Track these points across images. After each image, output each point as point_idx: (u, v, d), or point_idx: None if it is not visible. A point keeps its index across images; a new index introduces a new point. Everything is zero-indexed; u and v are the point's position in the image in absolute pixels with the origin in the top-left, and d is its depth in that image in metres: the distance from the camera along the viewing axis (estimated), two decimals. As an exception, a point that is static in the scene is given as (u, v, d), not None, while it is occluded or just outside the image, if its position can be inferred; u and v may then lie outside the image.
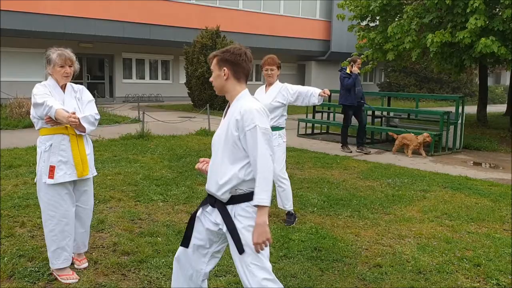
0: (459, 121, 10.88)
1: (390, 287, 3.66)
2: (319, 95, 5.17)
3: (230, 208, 2.58)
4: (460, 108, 10.98)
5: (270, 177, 2.46)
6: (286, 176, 5.33)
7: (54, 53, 3.60)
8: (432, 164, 9.20)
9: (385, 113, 12.73)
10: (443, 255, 4.32)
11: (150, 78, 25.13)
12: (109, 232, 4.71)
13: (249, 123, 2.48)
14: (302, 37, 27.11)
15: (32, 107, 3.51)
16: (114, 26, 20.33)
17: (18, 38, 19.60)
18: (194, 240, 2.73)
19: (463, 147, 11.26)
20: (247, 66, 2.66)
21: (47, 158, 3.56)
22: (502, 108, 24.50)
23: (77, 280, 3.63)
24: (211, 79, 2.73)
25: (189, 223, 2.76)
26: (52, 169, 3.54)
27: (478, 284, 3.74)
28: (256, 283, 2.51)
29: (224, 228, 2.57)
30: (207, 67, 18.11)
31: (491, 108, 18.02)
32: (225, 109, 2.72)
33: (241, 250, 2.52)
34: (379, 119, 12.92)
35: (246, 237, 2.51)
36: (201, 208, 2.75)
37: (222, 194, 2.55)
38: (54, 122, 3.49)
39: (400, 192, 6.62)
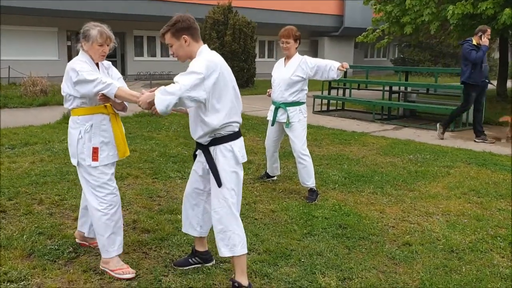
0: (480, 96, 10.56)
1: (422, 266, 3.52)
2: (338, 69, 4.95)
3: (212, 149, 3.02)
4: (482, 82, 10.65)
5: (169, 91, 2.72)
6: (307, 152, 5.17)
7: (94, 29, 3.23)
8: (453, 140, 8.96)
9: (402, 88, 12.43)
10: (475, 233, 4.15)
11: (162, 56, 24.90)
12: (127, 209, 4.61)
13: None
14: (315, 12, 26.56)
15: (72, 84, 3.15)
16: (125, 3, 20.07)
17: (30, 17, 19.43)
18: (194, 183, 3.28)
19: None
20: (197, 25, 3.01)
21: (88, 139, 3.25)
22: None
23: (134, 275, 3.28)
24: (171, 52, 3.02)
25: (193, 160, 3.32)
26: (95, 151, 3.26)
27: (514, 263, 3.58)
28: (228, 206, 3.01)
29: (207, 166, 3.05)
30: (220, 43, 17.84)
31: (509, 84, 17.62)
32: None
33: (219, 184, 2.98)
34: (396, 95, 12.63)
35: (223, 176, 2.99)
36: (196, 154, 3.25)
37: (203, 140, 3.03)
38: (106, 100, 3.20)
39: (423, 168, 6.43)
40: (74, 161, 3.32)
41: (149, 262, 3.52)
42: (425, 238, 4.04)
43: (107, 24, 3.35)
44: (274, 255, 3.63)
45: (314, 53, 29.43)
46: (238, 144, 3.08)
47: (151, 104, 2.81)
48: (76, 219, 4.29)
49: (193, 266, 3.42)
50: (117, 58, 22.89)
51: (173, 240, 3.88)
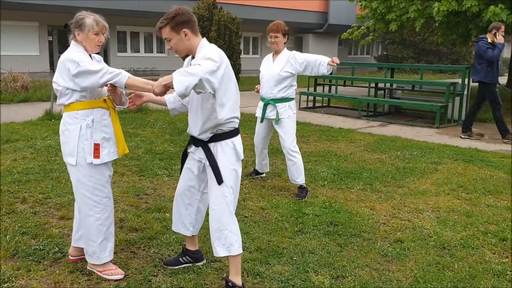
0: (465, 93, 10.67)
1: (415, 263, 3.49)
2: (328, 64, 4.89)
3: (212, 145, 2.95)
4: (466, 79, 10.75)
5: (191, 72, 2.55)
6: (297, 149, 5.12)
7: (89, 18, 3.03)
8: (439, 136, 9.01)
9: (388, 85, 12.47)
10: (466, 229, 4.14)
11: (145, 52, 24.65)
12: (114, 208, 4.47)
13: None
14: (299, 9, 26.55)
15: (71, 76, 2.90)
16: (107, -2, 19.78)
17: (11, 11, 19.02)
18: (188, 182, 3.18)
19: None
20: (195, 18, 2.91)
21: (90, 135, 3.02)
22: (501, 80, 24.27)
23: (123, 276, 3.18)
24: (169, 47, 2.90)
25: (182, 158, 3.29)
26: (97, 147, 3.03)
27: (506, 259, 3.57)
28: (226, 204, 2.93)
29: (207, 163, 2.96)
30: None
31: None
32: (185, 64, 3.04)
33: (220, 181, 2.90)
34: (382, 91, 12.67)
35: (224, 173, 2.91)
36: (189, 152, 3.17)
37: (204, 136, 2.95)
38: (114, 90, 3.05)
39: (411, 164, 6.44)
40: (72, 160, 3.04)
41: (138, 261, 3.43)
42: (416, 235, 4.02)
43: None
44: (266, 253, 3.57)
45: (299, 50, 29.15)
46: (239, 141, 3.02)
47: (167, 87, 2.60)
48: (61, 218, 4.18)
49: (183, 265, 3.34)
50: (99, 53, 22.54)
51: (162, 239, 3.79)
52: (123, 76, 2.91)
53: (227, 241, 2.93)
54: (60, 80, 3.00)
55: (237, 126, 3.01)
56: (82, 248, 3.28)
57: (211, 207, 2.97)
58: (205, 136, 2.95)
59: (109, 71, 2.91)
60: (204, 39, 2.94)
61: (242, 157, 3.03)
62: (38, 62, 20.49)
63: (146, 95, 3.14)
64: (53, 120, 8.99)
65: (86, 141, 3.02)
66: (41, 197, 4.69)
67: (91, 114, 3.04)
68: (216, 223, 2.94)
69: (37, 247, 3.57)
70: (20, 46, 20.35)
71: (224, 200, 2.92)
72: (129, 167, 5.93)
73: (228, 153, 2.95)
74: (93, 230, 3.13)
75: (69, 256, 3.40)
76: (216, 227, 2.94)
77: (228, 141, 2.95)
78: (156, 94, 2.67)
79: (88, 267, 3.26)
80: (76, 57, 2.92)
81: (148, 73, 23.25)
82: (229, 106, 2.89)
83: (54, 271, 3.23)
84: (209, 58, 2.67)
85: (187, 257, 3.36)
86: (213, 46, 2.86)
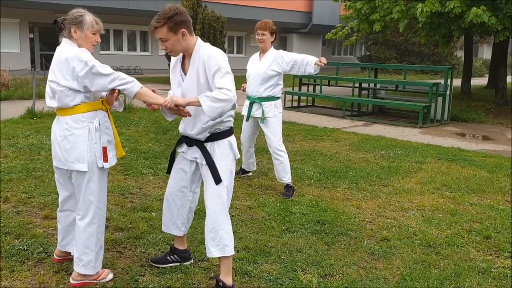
0: (448, 93, 10.81)
1: (401, 261, 3.52)
2: (315, 64, 4.91)
3: (209, 145, 2.91)
4: (449, 80, 10.89)
5: (221, 98, 2.64)
6: (283, 148, 5.12)
7: (89, 16, 2.90)
8: (422, 135, 9.11)
9: (372, 85, 12.57)
10: (451, 227, 4.19)
11: (128, 50, 24.43)
12: (99, 207, 4.43)
13: (213, 66, 2.72)
14: (283, 9, 26.59)
15: (78, 76, 2.75)
16: (90, -5, 19.53)
17: (-11, 7, 18.68)
18: (180, 182, 3.11)
19: (450, 119, 11.22)
20: (190, 17, 2.84)
21: (99, 138, 2.89)
22: (481, 81, 24.72)
23: (113, 275, 3.12)
24: (164, 47, 2.80)
25: (171, 157, 3.21)
26: (105, 151, 2.90)
27: (490, 257, 3.63)
28: (222, 204, 2.89)
29: (203, 162, 2.91)
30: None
31: (472, 81, 18.10)
32: (178, 63, 2.96)
33: (218, 181, 2.86)
34: (366, 91, 12.77)
35: (221, 173, 2.87)
36: (179, 154, 3.11)
37: (201, 136, 2.90)
38: (113, 92, 2.88)
39: (395, 163, 6.50)
40: (83, 166, 2.86)
41: (125, 261, 3.39)
42: (402, 233, 4.05)
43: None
44: (254, 252, 3.56)
45: (283, 50, 29.46)
46: (234, 140, 3.01)
47: (186, 105, 2.74)
48: (45, 217, 4.11)
49: (171, 264, 3.31)
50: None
51: (148, 239, 3.75)
52: (135, 85, 2.81)
53: (222, 242, 2.88)
54: (61, 80, 2.79)
55: (232, 125, 2.99)
56: (70, 252, 3.17)
57: (207, 206, 2.93)
58: (202, 136, 2.90)
59: (120, 77, 2.79)
60: (198, 38, 2.90)
61: (238, 156, 3.00)
62: (19, 59, 20.14)
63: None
64: (35, 118, 8.84)
65: (95, 145, 2.88)
66: (24, 196, 4.61)
67: (96, 116, 2.90)
68: (211, 223, 2.90)
69: (21, 247, 3.50)
70: (1, 43, 19.98)
71: (220, 200, 2.88)
72: (114, 166, 5.77)
73: (225, 152, 2.92)
74: (93, 239, 2.97)
75: (54, 256, 3.33)
76: (211, 227, 2.90)
77: (225, 140, 2.92)
78: (166, 108, 2.76)
79: (74, 281, 3.02)
80: (84, 56, 2.76)
81: (131, 72, 23.04)
82: None
83: (39, 272, 3.18)
84: (226, 72, 2.70)
85: (175, 256, 3.32)
86: (214, 49, 2.82)
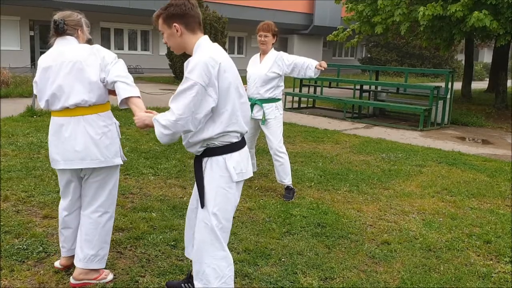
0: (448, 96, 10.81)
1: (401, 265, 3.51)
2: (315, 68, 4.91)
3: (205, 160, 2.53)
4: (449, 83, 10.90)
5: (163, 124, 2.35)
6: (284, 150, 5.12)
7: (83, 17, 3.02)
8: (422, 139, 9.11)
9: (373, 87, 12.57)
10: (451, 231, 4.19)
11: (129, 49, 24.40)
12: (99, 207, 4.42)
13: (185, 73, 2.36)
14: (285, 10, 26.58)
15: (105, 66, 2.85)
16: (91, -6, 19.54)
17: (-10, 4, 18.67)
18: (192, 201, 2.78)
19: (450, 122, 11.23)
20: (196, 13, 2.48)
21: (119, 133, 3.04)
22: (481, 84, 24.72)
23: (112, 276, 3.12)
24: (164, 41, 2.56)
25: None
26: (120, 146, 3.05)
27: (491, 261, 3.62)
28: (207, 232, 2.49)
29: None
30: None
31: (472, 85, 18.12)
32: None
33: (202, 204, 2.49)
34: (367, 94, 12.77)
35: (207, 196, 2.48)
36: None
37: (193, 150, 2.55)
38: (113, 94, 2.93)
39: (396, 166, 6.49)
40: (119, 160, 2.98)
41: (125, 262, 3.38)
42: (403, 236, 4.04)
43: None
44: (254, 254, 3.56)
45: (283, 51, 29.40)
46: (235, 159, 2.50)
47: (149, 126, 2.48)
48: (45, 217, 4.10)
49: None
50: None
51: (149, 239, 3.75)
52: (137, 89, 2.86)
53: (204, 277, 2.52)
54: (95, 74, 2.84)
55: (235, 140, 2.51)
56: (73, 255, 3.11)
57: (194, 233, 2.63)
58: (194, 150, 2.54)
59: (128, 75, 2.89)
60: (204, 37, 2.50)
61: (239, 178, 2.52)
62: (19, 57, 20.12)
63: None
64: (34, 116, 8.83)
65: (119, 142, 3.02)
66: (24, 195, 4.60)
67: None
68: (195, 253, 2.56)
69: (21, 246, 3.50)
70: (1, 41, 19.96)
71: (205, 228, 2.49)
72: (114, 165, 5.84)
73: (218, 172, 2.48)
74: (110, 233, 3.11)
75: (60, 265, 3.17)
76: (195, 259, 2.57)
77: (220, 157, 2.48)
78: (137, 126, 2.54)
79: (76, 281, 3.02)
80: (112, 54, 2.94)
81: (132, 71, 22.86)
82: (222, 120, 2.43)
83: (39, 271, 3.17)
84: (187, 89, 2.30)
85: (189, 284, 2.96)
86: (204, 52, 2.41)
